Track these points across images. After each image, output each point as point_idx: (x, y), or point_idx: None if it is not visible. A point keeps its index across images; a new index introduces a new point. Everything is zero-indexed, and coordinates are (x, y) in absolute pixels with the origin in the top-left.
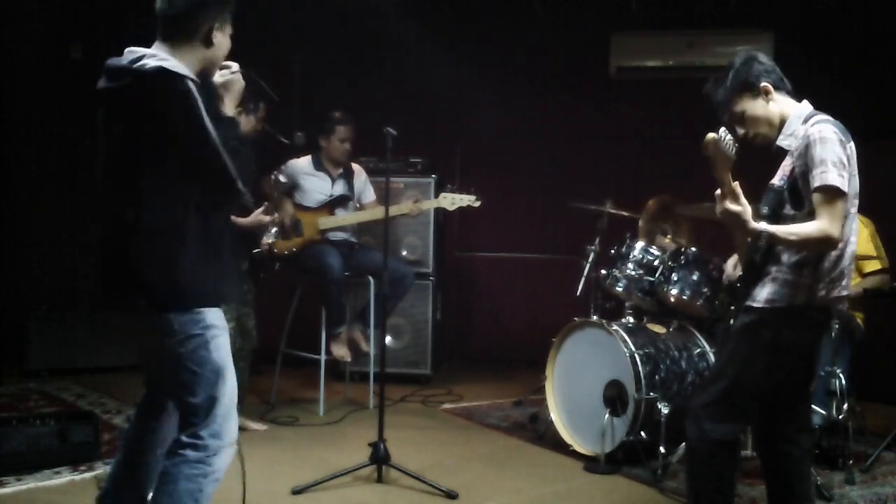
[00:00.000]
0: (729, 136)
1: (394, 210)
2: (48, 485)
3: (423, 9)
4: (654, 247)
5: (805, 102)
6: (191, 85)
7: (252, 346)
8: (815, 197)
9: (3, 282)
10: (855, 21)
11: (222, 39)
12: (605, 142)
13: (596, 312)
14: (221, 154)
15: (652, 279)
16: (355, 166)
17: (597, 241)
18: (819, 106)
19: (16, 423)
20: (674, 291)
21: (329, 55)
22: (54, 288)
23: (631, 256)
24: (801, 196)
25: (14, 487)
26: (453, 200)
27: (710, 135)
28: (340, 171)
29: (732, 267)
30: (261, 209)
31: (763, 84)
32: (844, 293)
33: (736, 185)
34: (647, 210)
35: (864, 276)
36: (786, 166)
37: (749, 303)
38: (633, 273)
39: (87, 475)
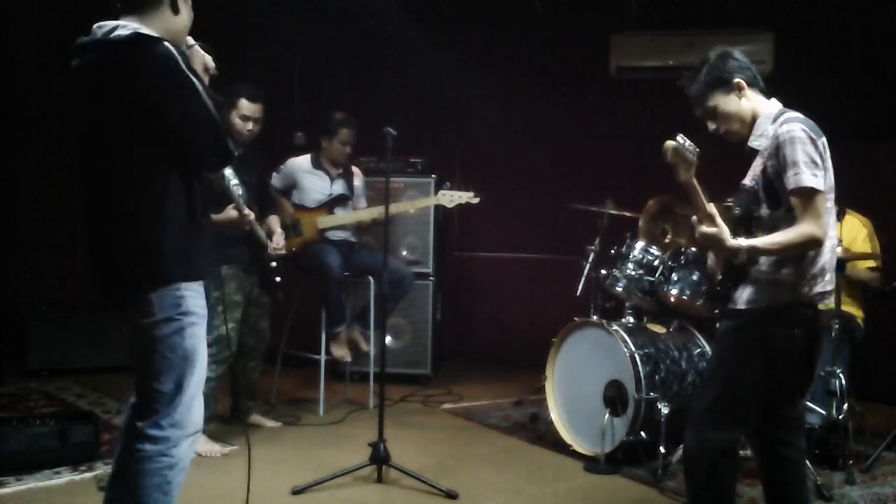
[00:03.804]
0: (688, 142)
1: (386, 210)
2: (48, 485)
3: (423, 9)
4: (654, 247)
5: (774, 100)
6: (169, 45)
7: (264, 346)
8: (793, 200)
9: (3, 282)
10: (855, 21)
11: (184, 8)
12: (605, 142)
13: (596, 312)
14: (212, 109)
15: (652, 279)
16: (354, 168)
17: (597, 241)
18: (819, 106)
19: (16, 423)
20: (674, 291)
21: (329, 55)
22: (54, 288)
23: (631, 256)
24: (777, 195)
25: (14, 487)
26: (452, 197)
27: (669, 142)
28: (339, 170)
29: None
30: (230, 206)
31: (737, 80)
32: (829, 287)
33: (711, 206)
34: (647, 210)
35: None
36: (756, 166)
37: (731, 306)
38: (633, 273)
39: (87, 475)
